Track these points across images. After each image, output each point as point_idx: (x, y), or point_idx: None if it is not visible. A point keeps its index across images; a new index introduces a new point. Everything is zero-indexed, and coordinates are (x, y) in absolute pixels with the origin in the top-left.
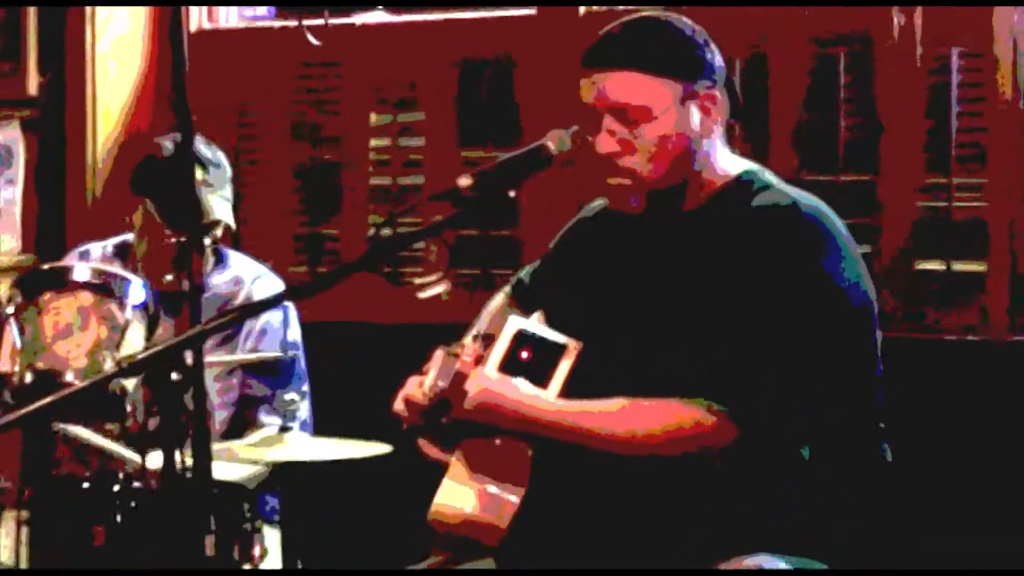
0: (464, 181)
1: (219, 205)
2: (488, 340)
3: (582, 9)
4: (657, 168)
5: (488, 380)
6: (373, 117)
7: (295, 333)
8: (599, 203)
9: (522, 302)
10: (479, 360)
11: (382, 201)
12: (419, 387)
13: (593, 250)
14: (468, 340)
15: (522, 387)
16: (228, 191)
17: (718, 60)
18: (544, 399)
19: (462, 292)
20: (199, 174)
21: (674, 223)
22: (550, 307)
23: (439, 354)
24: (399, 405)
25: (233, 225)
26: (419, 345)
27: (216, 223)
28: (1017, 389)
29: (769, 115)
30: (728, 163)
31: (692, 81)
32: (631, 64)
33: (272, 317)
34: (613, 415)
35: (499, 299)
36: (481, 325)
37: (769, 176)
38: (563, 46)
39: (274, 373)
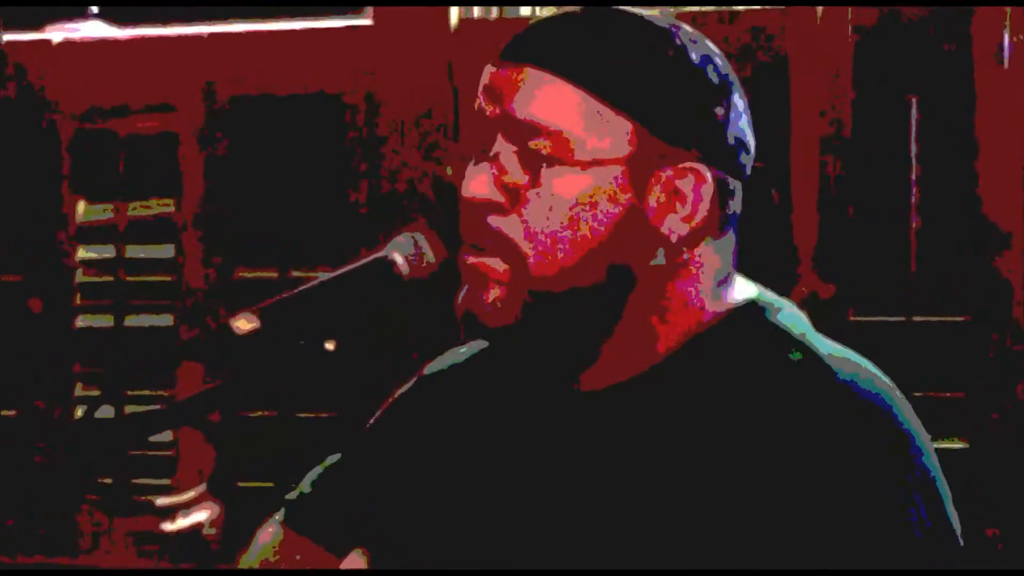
0: (244, 324)
1: None
2: None
3: (454, 15)
4: (551, 255)
5: None
6: (81, 207)
7: None
8: (457, 353)
9: (311, 532)
10: None
11: (95, 361)
12: None
13: (449, 436)
14: None
15: None
16: None
17: (743, 131)
18: None
19: (247, 519)
20: None
21: (610, 396)
22: (376, 540)
23: None
24: None
25: None
26: None
27: None
28: None
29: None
30: (718, 298)
31: (668, 138)
32: (570, 72)
33: None
34: None
35: (267, 536)
36: None
37: (789, 315)
38: (425, 75)
39: None
